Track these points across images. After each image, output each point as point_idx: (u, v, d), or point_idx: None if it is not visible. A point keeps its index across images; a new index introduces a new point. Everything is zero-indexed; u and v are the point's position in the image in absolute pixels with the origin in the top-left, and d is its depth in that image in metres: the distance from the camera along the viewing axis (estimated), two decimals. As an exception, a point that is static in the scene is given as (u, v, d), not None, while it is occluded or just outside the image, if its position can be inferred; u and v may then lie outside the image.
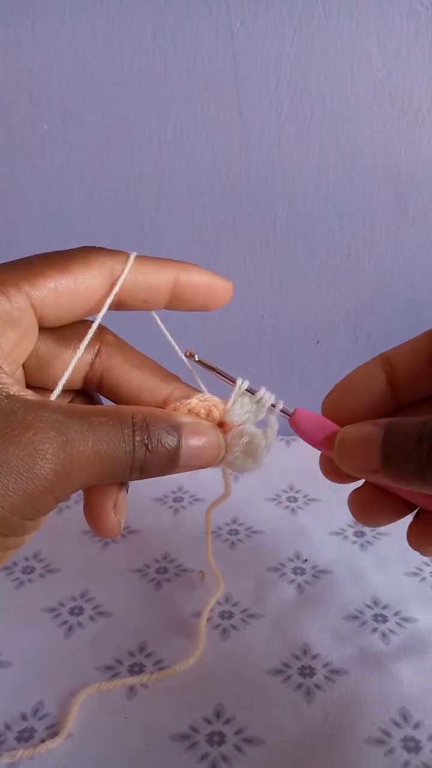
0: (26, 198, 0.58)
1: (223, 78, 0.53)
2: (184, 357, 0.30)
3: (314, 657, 0.39)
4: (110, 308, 0.28)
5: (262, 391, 0.30)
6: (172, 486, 0.57)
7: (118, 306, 0.28)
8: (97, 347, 0.29)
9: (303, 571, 0.46)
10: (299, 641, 0.40)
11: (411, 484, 0.26)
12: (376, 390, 0.31)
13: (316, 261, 0.60)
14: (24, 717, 0.36)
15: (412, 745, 0.34)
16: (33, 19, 0.52)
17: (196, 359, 0.30)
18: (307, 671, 0.38)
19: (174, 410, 0.28)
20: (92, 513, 0.28)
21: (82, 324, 0.29)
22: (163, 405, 0.29)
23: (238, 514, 0.53)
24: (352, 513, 0.32)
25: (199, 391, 0.30)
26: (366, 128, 0.54)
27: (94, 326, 0.28)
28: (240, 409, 0.29)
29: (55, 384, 0.27)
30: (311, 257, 0.60)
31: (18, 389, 0.24)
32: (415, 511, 0.31)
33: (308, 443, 0.31)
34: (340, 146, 0.55)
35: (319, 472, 0.55)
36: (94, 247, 0.28)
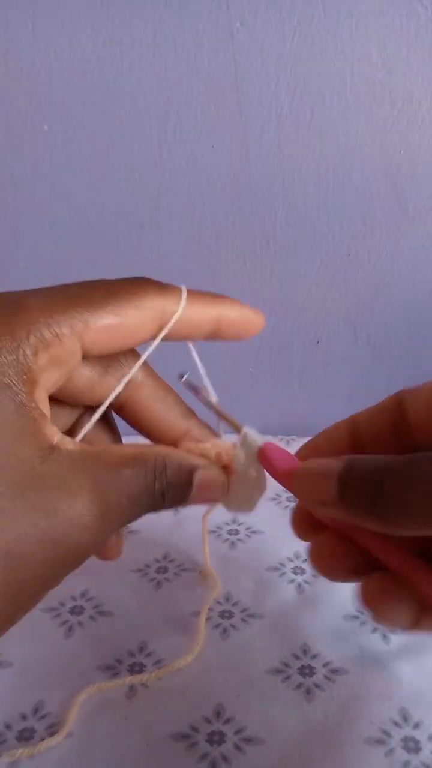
0: (26, 198, 0.58)
1: (223, 78, 0.53)
2: (180, 381, 0.31)
3: (314, 656, 0.39)
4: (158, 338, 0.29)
5: (249, 434, 0.31)
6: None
7: (167, 337, 0.29)
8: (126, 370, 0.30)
9: (303, 571, 0.46)
10: (299, 641, 0.40)
11: (365, 520, 0.25)
12: (340, 450, 0.31)
13: (316, 261, 0.60)
14: (24, 717, 0.36)
15: (412, 745, 0.34)
16: (33, 19, 0.52)
17: (184, 381, 0.31)
18: (306, 671, 0.38)
19: (188, 450, 0.30)
20: None
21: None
22: (178, 440, 0.31)
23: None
24: (312, 564, 0.31)
25: (213, 431, 0.32)
26: (366, 128, 0.54)
27: (137, 365, 0.29)
28: (242, 456, 0.30)
29: (75, 399, 0.28)
30: (311, 257, 0.60)
31: (60, 439, 0.24)
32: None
33: (273, 477, 0.30)
34: (340, 146, 0.55)
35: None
36: (148, 281, 0.28)
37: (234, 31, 0.52)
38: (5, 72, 0.54)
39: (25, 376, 0.24)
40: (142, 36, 0.52)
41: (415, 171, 0.56)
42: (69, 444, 0.25)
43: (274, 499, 0.55)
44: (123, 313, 0.26)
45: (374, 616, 0.28)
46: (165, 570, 0.47)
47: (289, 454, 0.31)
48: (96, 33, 0.52)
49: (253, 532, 0.51)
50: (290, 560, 0.48)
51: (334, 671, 0.38)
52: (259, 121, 0.55)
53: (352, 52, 0.52)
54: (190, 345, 0.31)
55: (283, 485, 0.30)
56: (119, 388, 0.28)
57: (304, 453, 0.32)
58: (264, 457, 0.30)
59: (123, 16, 0.52)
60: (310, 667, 0.39)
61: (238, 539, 0.50)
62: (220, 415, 0.31)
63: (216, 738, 0.34)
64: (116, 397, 0.29)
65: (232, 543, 0.50)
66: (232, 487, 0.30)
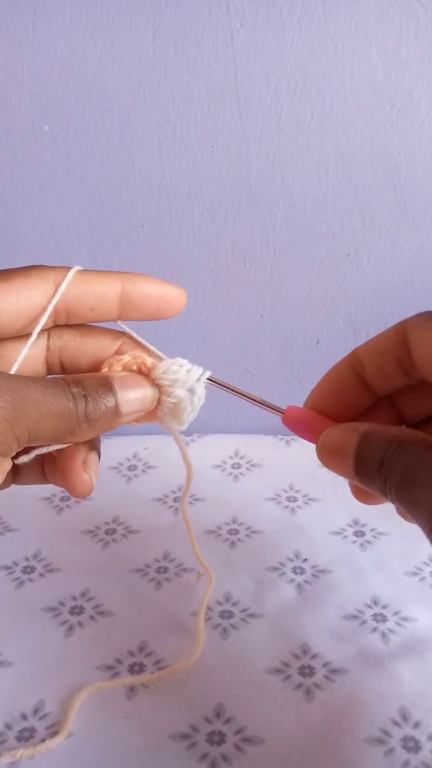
0: (26, 198, 0.58)
1: (223, 78, 0.53)
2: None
3: (314, 656, 0.39)
4: (62, 321, 0.30)
5: (193, 367, 0.32)
6: (172, 486, 0.57)
7: (69, 317, 0.30)
8: (47, 332, 0.31)
9: (303, 571, 0.46)
10: (299, 641, 0.40)
11: (379, 494, 0.28)
12: (350, 389, 0.33)
13: (316, 261, 0.60)
14: (24, 716, 0.36)
15: (412, 745, 0.34)
16: (33, 19, 0.52)
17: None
18: (306, 671, 0.38)
19: (108, 367, 0.31)
20: (63, 471, 0.31)
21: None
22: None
23: (238, 513, 0.53)
24: (353, 495, 0.33)
25: (147, 347, 0.32)
26: (366, 128, 0.54)
27: (38, 329, 0.30)
28: (167, 371, 0.31)
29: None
30: (311, 257, 0.60)
31: None
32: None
33: (303, 438, 0.32)
34: (340, 146, 0.55)
35: (319, 472, 0.56)
36: (39, 265, 0.30)
37: (234, 31, 0.52)
38: (5, 72, 0.54)
39: None
40: (142, 36, 0.52)
41: (414, 171, 0.56)
42: None
43: (274, 499, 0.55)
44: (11, 279, 0.29)
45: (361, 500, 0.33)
46: (165, 570, 0.47)
47: (312, 414, 0.32)
48: (96, 33, 0.52)
49: (253, 532, 0.51)
50: (290, 560, 0.48)
51: (334, 671, 0.38)
52: (259, 121, 0.55)
53: (352, 53, 0.52)
54: (121, 324, 0.32)
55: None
56: (33, 338, 0.29)
57: (313, 401, 0.33)
58: (290, 423, 0.32)
59: (123, 16, 0.52)
60: (310, 667, 0.39)
61: (238, 539, 0.50)
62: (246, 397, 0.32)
63: (216, 738, 0.34)
64: (53, 357, 0.31)
65: (232, 543, 0.50)
66: (167, 400, 0.31)
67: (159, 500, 0.55)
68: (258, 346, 0.64)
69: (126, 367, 0.31)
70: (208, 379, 0.32)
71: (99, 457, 0.32)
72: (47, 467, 0.33)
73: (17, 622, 0.42)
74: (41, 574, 0.46)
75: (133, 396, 0.29)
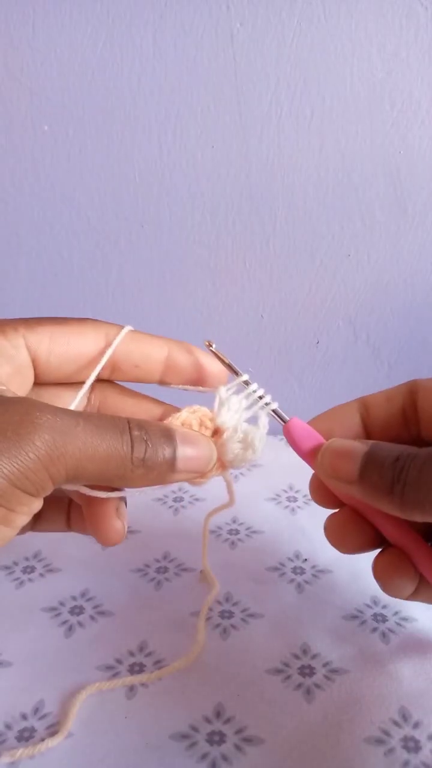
0: (26, 198, 0.58)
1: (223, 78, 0.53)
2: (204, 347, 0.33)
3: (314, 656, 0.39)
4: (105, 375, 0.31)
5: (253, 387, 0.33)
6: (172, 486, 0.56)
7: (113, 372, 0.31)
8: (91, 386, 0.31)
9: (303, 571, 0.46)
10: (299, 641, 0.40)
11: (381, 501, 0.28)
12: (351, 431, 0.33)
13: (316, 261, 0.60)
14: (24, 716, 0.36)
15: (412, 745, 0.34)
16: (33, 19, 0.52)
17: (213, 348, 0.33)
18: (306, 671, 0.38)
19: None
20: (94, 518, 0.30)
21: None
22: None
23: (238, 514, 0.53)
24: (326, 536, 0.34)
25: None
26: (366, 128, 0.54)
27: (93, 375, 0.30)
28: (227, 414, 0.31)
29: None
30: (311, 257, 0.60)
31: (12, 393, 0.26)
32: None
33: (296, 452, 0.33)
34: (340, 146, 0.55)
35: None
36: (94, 318, 0.31)
37: (234, 31, 0.52)
38: (5, 72, 0.54)
39: None
40: (142, 36, 0.52)
41: (415, 171, 0.56)
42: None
43: (274, 499, 0.55)
44: (66, 324, 0.29)
45: (382, 587, 0.32)
46: (165, 570, 0.47)
47: (312, 430, 0.32)
48: (96, 33, 0.52)
49: (253, 532, 0.51)
50: (290, 560, 0.48)
51: (334, 671, 0.38)
52: (259, 121, 0.55)
53: (352, 53, 0.52)
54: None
55: (305, 460, 0.32)
56: (86, 386, 0.30)
57: (318, 427, 0.33)
58: (290, 434, 0.32)
59: (123, 16, 0.52)
60: (310, 667, 0.39)
61: (238, 539, 0.50)
62: (228, 366, 0.33)
63: (216, 738, 0.34)
64: (91, 409, 0.31)
65: (232, 543, 0.50)
66: (228, 441, 0.30)
67: (159, 500, 0.55)
68: (258, 346, 0.64)
69: (185, 424, 0.30)
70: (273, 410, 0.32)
71: (126, 506, 0.31)
72: (73, 514, 0.33)
73: (17, 622, 0.42)
74: (41, 574, 0.46)
75: (192, 454, 0.28)
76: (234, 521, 0.52)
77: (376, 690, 0.37)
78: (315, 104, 0.54)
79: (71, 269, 0.60)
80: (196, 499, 0.55)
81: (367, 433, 0.33)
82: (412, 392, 0.32)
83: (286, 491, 0.56)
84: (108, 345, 0.30)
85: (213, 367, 0.32)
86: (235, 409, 0.31)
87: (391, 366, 0.64)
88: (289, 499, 0.55)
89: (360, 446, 0.29)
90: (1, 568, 0.47)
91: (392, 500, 0.27)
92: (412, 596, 0.32)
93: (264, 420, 0.32)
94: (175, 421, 0.30)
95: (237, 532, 0.51)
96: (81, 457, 0.24)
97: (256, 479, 0.58)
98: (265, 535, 0.50)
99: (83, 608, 0.43)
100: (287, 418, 0.33)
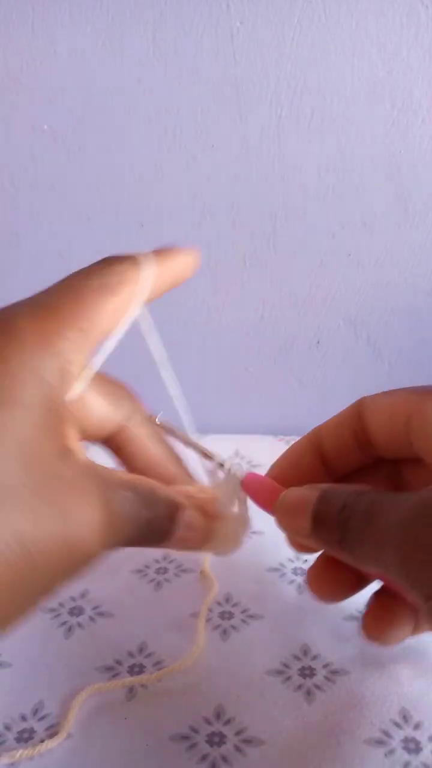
0: (26, 198, 0.58)
1: (223, 78, 0.53)
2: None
3: (314, 657, 0.39)
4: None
5: (227, 464, 0.32)
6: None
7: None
8: (130, 412, 0.30)
9: (303, 572, 0.46)
10: (299, 642, 0.40)
11: (334, 551, 0.27)
12: (309, 467, 0.32)
13: (316, 261, 0.60)
14: (23, 717, 0.36)
15: (413, 746, 0.34)
16: (33, 19, 0.52)
17: (157, 422, 0.31)
18: (307, 672, 0.38)
19: (176, 492, 0.30)
20: None
21: (120, 387, 0.30)
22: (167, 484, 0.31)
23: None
24: (309, 588, 0.33)
25: (199, 483, 0.32)
26: (366, 128, 0.54)
27: (130, 315, 0.27)
28: (224, 495, 0.31)
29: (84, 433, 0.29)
30: (311, 257, 0.60)
31: (76, 444, 0.25)
32: (371, 591, 0.33)
33: (258, 506, 0.32)
34: (340, 146, 0.55)
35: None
36: (110, 265, 0.28)
37: (234, 31, 0.52)
38: (5, 72, 0.54)
39: (63, 380, 0.24)
40: (142, 36, 0.52)
41: (415, 170, 0.56)
42: (82, 452, 0.25)
43: (274, 499, 0.55)
44: (101, 310, 0.26)
45: (380, 641, 0.32)
46: (165, 570, 0.47)
47: (271, 482, 0.32)
48: (96, 33, 0.52)
49: (253, 532, 0.51)
50: (290, 561, 0.48)
51: (335, 672, 0.38)
52: (259, 121, 0.55)
53: (352, 52, 0.52)
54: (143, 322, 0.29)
55: (270, 514, 0.31)
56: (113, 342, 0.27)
57: (274, 472, 0.33)
58: (248, 489, 0.32)
59: (123, 16, 0.52)
60: (311, 668, 0.38)
61: (238, 540, 0.50)
62: (200, 451, 0.32)
63: (216, 739, 0.34)
64: (115, 435, 0.30)
65: (232, 543, 0.50)
66: (221, 530, 0.30)
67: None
68: (258, 346, 0.64)
69: (190, 498, 0.30)
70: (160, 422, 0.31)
71: None
72: None
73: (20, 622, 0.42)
74: (41, 575, 0.46)
75: (190, 528, 0.28)
76: (234, 522, 0.52)
77: (377, 691, 0.37)
78: (315, 104, 0.54)
79: (71, 269, 0.60)
80: (196, 500, 0.55)
81: (326, 465, 0.33)
82: (359, 413, 0.31)
83: (286, 492, 0.56)
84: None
85: (190, 262, 0.32)
86: (232, 491, 0.31)
87: (391, 366, 0.64)
88: (289, 499, 0.55)
89: (310, 495, 0.28)
90: (0, 569, 0.47)
91: (344, 553, 0.26)
92: (412, 634, 0.32)
93: (246, 506, 0.32)
94: (182, 491, 0.30)
95: (237, 532, 0.51)
96: (123, 537, 0.25)
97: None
98: (265, 536, 0.50)
99: (83, 609, 0.43)
100: (242, 476, 0.32)
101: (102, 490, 0.24)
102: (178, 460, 0.32)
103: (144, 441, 0.31)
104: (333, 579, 0.32)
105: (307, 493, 0.28)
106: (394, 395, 0.30)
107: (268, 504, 0.31)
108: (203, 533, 0.29)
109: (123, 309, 0.26)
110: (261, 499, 0.31)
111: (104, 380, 0.29)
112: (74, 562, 0.24)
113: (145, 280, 0.27)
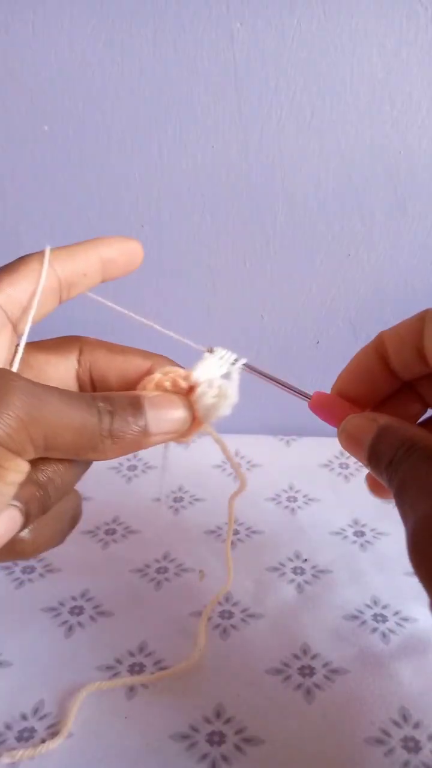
0: (26, 198, 0.58)
1: (223, 78, 0.53)
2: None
3: (314, 657, 0.39)
4: (65, 296, 0.31)
5: (222, 352, 0.33)
6: (172, 486, 0.57)
7: (70, 290, 0.31)
8: (79, 348, 0.32)
9: (303, 571, 0.46)
10: (299, 641, 0.40)
11: (386, 485, 0.29)
12: (375, 373, 0.33)
13: (316, 261, 0.60)
14: (24, 717, 0.36)
15: (412, 745, 0.34)
16: (33, 19, 0.52)
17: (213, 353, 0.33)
18: (306, 671, 0.38)
19: (142, 389, 0.30)
20: None
21: (66, 339, 0.33)
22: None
23: (238, 514, 0.53)
24: (369, 489, 0.34)
25: (177, 364, 0.32)
26: (366, 128, 0.54)
27: (39, 287, 0.30)
28: (204, 371, 0.31)
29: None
30: (311, 257, 0.60)
31: None
32: None
33: (330, 424, 0.33)
34: (340, 146, 0.55)
35: (319, 472, 0.55)
36: (21, 257, 0.31)
37: (234, 31, 0.52)
38: (5, 72, 0.54)
39: None
40: (142, 36, 0.52)
41: (415, 171, 0.56)
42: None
43: (273, 499, 0.55)
44: (15, 270, 0.30)
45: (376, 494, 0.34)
46: (165, 570, 0.47)
47: (339, 400, 0.33)
48: (96, 33, 0.52)
49: (253, 532, 0.51)
50: (290, 560, 0.48)
51: (334, 671, 0.38)
52: (259, 121, 0.55)
53: (352, 53, 0.52)
54: (90, 294, 0.32)
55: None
56: (41, 284, 0.30)
57: (340, 385, 0.34)
58: (317, 410, 0.33)
59: (123, 16, 0.52)
60: (310, 668, 0.39)
61: (238, 539, 0.50)
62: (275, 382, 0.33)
63: (216, 738, 0.34)
64: (83, 372, 0.32)
65: (232, 543, 0.50)
66: (203, 394, 0.30)
67: (159, 500, 0.55)
68: (258, 346, 0.64)
69: (158, 386, 0.30)
70: (244, 365, 0.33)
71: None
72: None
73: (17, 623, 0.42)
74: (41, 575, 0.46)
75: (166, 417, 0.29)
76: (234, 521, 0.52)
77: (376, 690, 0.37)
78: (315, 104, 0.54)
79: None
80: (196, 500, 0.55)
81: (392, 372, 0.33)
82: (420, 330, 0.33)
83: (286, 491, 0.56)
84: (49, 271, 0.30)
85: (133, 246, 0.33)
86: (211, 369, 0.32)
87: (391, 366, 0.64)
88: (289, 499, 0.55)
89: (369, 429, 0.29)
90: (1, 568, 0.47)
91: (389, 485, 0.28)
92: None
93: (235, 375, 0.33)
94: (148, 384, 0.30)
95: (237, 532, 0.51)
96: (57, 424, 0.25)
97: (256, 479, 0.58)
98: (265, 535, 0.51)
99: (83, 608, 0.43)
100: (310, 394, 0.34)
101: (24, 383, 0.25)
102: (148, 353, 0.33)
103: (105, 359, 0.32)
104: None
105: (366, 426, 0.30)
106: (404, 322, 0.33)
107: (335, 422, 0.32)
108: (182, 409, 0.30)
109: (31, 287, 0.30)
110: (329, 418, 0.33)
111: (47, 343, 0.32)
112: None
113: (45, 261, 0.30)
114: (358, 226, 0.58)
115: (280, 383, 0.33)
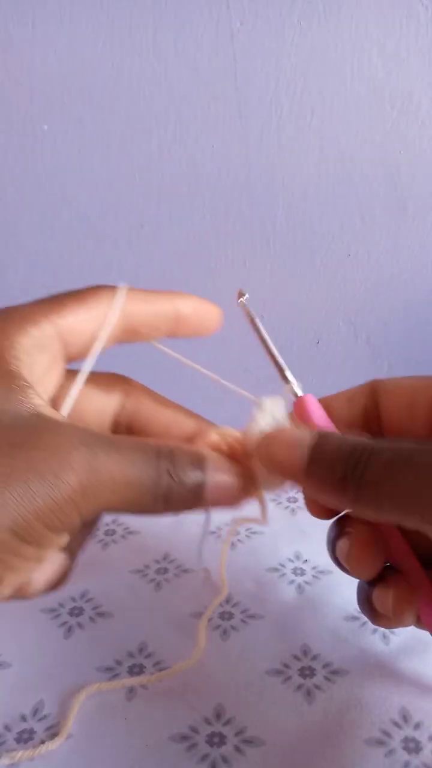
0: (26, 198, 0.58)
1: (223, 78, 0.53)
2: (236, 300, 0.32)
3: (314, 658, 0.39)
4: (124, 339, 0.29)
5: (271, 403, 0.31)
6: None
7: (132, 336, 0.29)
8: (125, 390, 0.31)
9: (303, 572, 0.46)
10: (299, 642, 0.40)
11: (327, 494, 0.26)
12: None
13: (316, 261, 0.60)
14: (23, 718, 0.36)
15: (413, 746, 0.34)
16: (33, 19, 0.52)
17: (245, 299, 0.31)
18: (307, 672, 0.38)
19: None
20: None
21: (112, 376, 0.31)
22: (190, 441, 0.30)
23: (238, 514, 0.53)
24: (344, 563, 0.31)
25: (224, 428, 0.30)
26: (366, 128, 0.54)
27: (105, 333, 0.28)
28: (264, 428, 0.29)
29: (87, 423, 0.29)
30: (311, 257, 0.60)
31: (49, 410, 0.24)
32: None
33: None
34: (340, 146, 0.55)
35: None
36: (99, 287, 0.29)
37: (234, 31, 0.52)
38: (5, 72, 0.54)
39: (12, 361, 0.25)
40: (142, 36, 0.52)
41: (415, 171, 0.56)
42: (58, 415, 0.25)
43: (273, 500, 0.55)
44: (84, 299, 0.28)
45: (389, 624, 0.31)
46: (165, 571, 0.47)
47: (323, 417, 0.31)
48: (96, 33, 0.52)
49: (253, 532, 0.51)
50: (290, 561, 0.48)
51: (335, 672, 0.38)
52: (259, 121, 0.55)
53: (352, 53, 0.52)
54: (158, 344, 0.31)
55: None
56: (96, 352, 0.28)
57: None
58: (299, 411, 0.31)
59: (123, 16, 0.52)
60: (311, 668, 0.38)
61: (238, 540, 0.50)
62: (270, 354, 0.31)
63: (216, 739, 0.34)
64: (123, 416, 0.30)
65: (232, 543, 0.50)
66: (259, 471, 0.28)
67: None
68: (258, 346, 0.64)
69: (214, 448, 0.28)
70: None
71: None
72: None
73: (17, 623, 0.42)
74: (41, 575, 0.46)
75: (224, 484, 0.26)
76: (234, 522, 0.52)
77: (377, 691, 0.37)
78: (315, 104, 0.54)
79: (71, 269, 0.60)
80: (196, 500, 0.55)
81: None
82: (374, 393, 0.32)
83: (286, 492, 0.56)
84: (121, 313, 0.28)
85: (209, 314, 0.32)
86: (264, 426, 0.29)
87: (391, 366, 0.64)
88: (289, 499, 0.55)
89: (306, 435, 0.26)
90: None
91: (343, 496, 0.25)
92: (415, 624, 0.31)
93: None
94: (201, 445, 0.28)
95: (237, 532, 0.51)
96: (113, 489, 0.23)
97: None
98: (265, 536, 0.50)
99: (83, 609, 0.43)
100: (300, 393, 0.32)
101: (86, 446, 0.23)
102: (192, 413, 0.31)
103: (149, 408, 0.30)
104: (371, 554, 0.30)
105: (303, 432, 0.27)
106: (415, 379, 0.31)
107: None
108: (236, 481, 0.27)
109: (95, 320, 0.28)
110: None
111: (92, 376, 0.29)
112: (55, 529, 0.23)
113: (118, 300, 0.28)
114: (358, 226, 0.58)
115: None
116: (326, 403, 0.33)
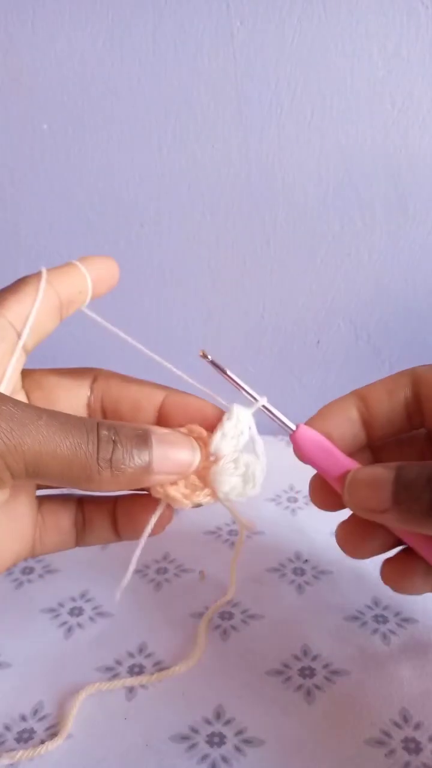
0: (26, 198, 0.58)
1: (223, 78, 0.53)
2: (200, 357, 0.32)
3: (314, 658, 0.39)
4: (66, 313, 0.32)
5: (238, 412, 0.31)
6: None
7: (69, 306, 0.32)
8: (93, 376, 0.32)
9: (303, 572, 0.46)
10: (299, 642, 0.40)
11: (420, 524, 0.27)
12: (348, 426, 0.33)
13: (316, 261, 0.60)
14: (23, 718, 0.36)
15: (413, 746, 0.33)
16: (33, 19, 0.52)
17: (209, 359, 0.31)
18: (307, 672, 0.38)
19: None
20: (138, 526, 0.32)
21: (82, 368, 0.33)
22: (160, 411, 0.31)
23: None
24: (339, 544, 0.33)
25: (193, 395, 0.31)
26: (366, 128, 0.54)
27: (37, 303, 0.30)
28: (223, 441, 0.30)
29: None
30: (311, 257, 0.60)
31: None
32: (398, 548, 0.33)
33: (310, 464, 0.32)
34: (340, 146, 0.55)
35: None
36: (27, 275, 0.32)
37: (234, 31, 0.52)
38: (5, 72, 0.54)
39: None
40: (142, 36, 0.52)
41: (415, 171, 0.56)
42: None
43: (273, 500, 0.55)
44: (20, 290, 0.31)
45: (398, 589, 0.33)
46: (165, 571, 0.47)
47: (323, 440, 0.31)
48: (96, 33, 0.52)
49: (254, 533, 0.51)
50: (290, 561, 0.47)
51: (335, 672, 0.38)
52: (259, 121, 0.55)
53: (353, 52, 0.52)
54: (85, 310, 0.33)
55: (333, 486, 0.31)
56: (39, 298, 0.30)
57: (315, 428, 0.32)
58: (300, 447, 0.31)
59: (123, 16, 0.52)
60: (311, 669, 0.38)
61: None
62: (239, 387, 0.31)
63: (216, 739, 0.34)
64: (95, 399, 0.32)
65: (232, 544, 0.50)
66: (225, 473, 0.29)
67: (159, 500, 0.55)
68: (258, 346, 0.64)
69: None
70: (263, 406, 0.31)
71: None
72: (121, 523, 0.33)
73: (16, 623, 0.42)
74: (40, 575, 0.46)
75: (173, 456, 0.28)
76: (234, 522, 0.52)
77: (377, 691, 0.37)
78: (315, 104, 0.54)
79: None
80: (196, 500, 0.55)
81: (367, 429, 0.33)
82: (414, 383, 0.32)
83: (286, 492, 0.56)
84: (56, 298, 0.31)
85: (112, 267, 0.33)
86: (232, 435, 0.30)
87: (392, 366, 0.64)
88: (289, 499, 0.55)
89: (386, 472, 0.28)
90: (0, 569, 0.47)
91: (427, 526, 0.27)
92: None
93: (261, 447, 0.31)
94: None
95: (237, 533, 0.51)
96: (41, 451, 0.24)
97: (257, 480, 0.57)
98: (266, 536, 0.50)
99: (83, 609, 0.43)
100: (293, 427, 0.32)
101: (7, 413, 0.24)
102: (164, 387, 0.32)
103: (118, 386, 0.32)
104: (367, 537, 0.32)
105: (381, 471, 0.28)
106: None
107: (333, 479, 0.31)
108: (190, 449, 0.29)
109: (27, 302, 0.30)
110: (328, 473, 0.31)
111: (65, 369, 0.32)
112: None
113: (43, 280, 0.31)
114: (358, 226, 0.58)
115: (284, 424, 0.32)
116: (364, 395, 0.33)
